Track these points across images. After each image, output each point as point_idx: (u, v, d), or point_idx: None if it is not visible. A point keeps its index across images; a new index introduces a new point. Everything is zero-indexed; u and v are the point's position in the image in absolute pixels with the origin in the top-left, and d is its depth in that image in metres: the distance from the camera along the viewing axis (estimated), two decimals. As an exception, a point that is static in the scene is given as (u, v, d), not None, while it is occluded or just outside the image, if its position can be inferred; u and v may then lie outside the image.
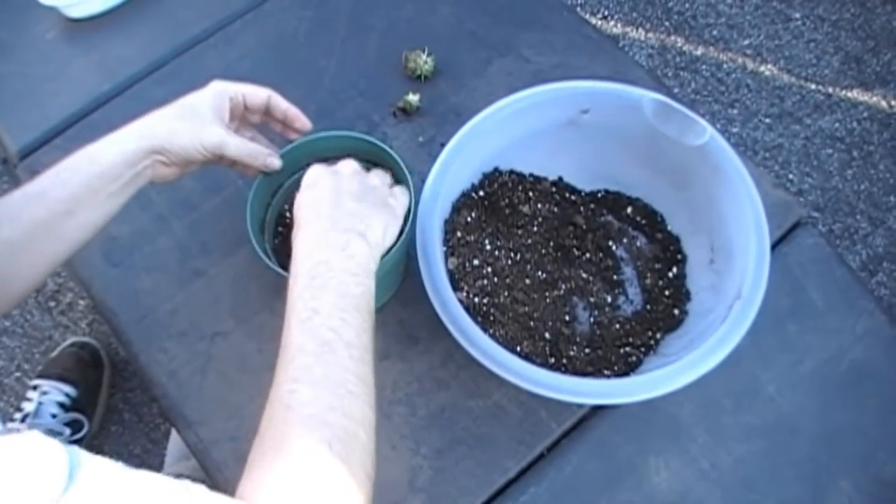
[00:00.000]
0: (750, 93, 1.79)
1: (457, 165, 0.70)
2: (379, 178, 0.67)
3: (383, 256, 0.67)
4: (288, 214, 0.76)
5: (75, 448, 0.36)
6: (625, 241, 0.78)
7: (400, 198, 0.66)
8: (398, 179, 0.73)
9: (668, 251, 0.76)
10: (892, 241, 1.60)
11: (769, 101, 1.78)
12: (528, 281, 0.74)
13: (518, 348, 0.70)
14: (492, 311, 0.71)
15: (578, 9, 1.92)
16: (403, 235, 0.68)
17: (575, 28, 0.94)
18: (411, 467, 0.71)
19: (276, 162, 0.69)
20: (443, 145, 0.71)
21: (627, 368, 0.70)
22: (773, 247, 0.78)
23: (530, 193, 0.78)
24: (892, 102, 1.76)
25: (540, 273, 0.75)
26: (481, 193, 0.77)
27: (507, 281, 0.73)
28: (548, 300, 0.73)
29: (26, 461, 0.33)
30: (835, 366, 0.74)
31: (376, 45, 0.95)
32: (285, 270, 0.69)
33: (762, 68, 1.82)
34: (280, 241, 0.75)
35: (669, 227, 0.77)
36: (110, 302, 0.81)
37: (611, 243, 0.77)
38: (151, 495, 0.37)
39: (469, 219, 0.74)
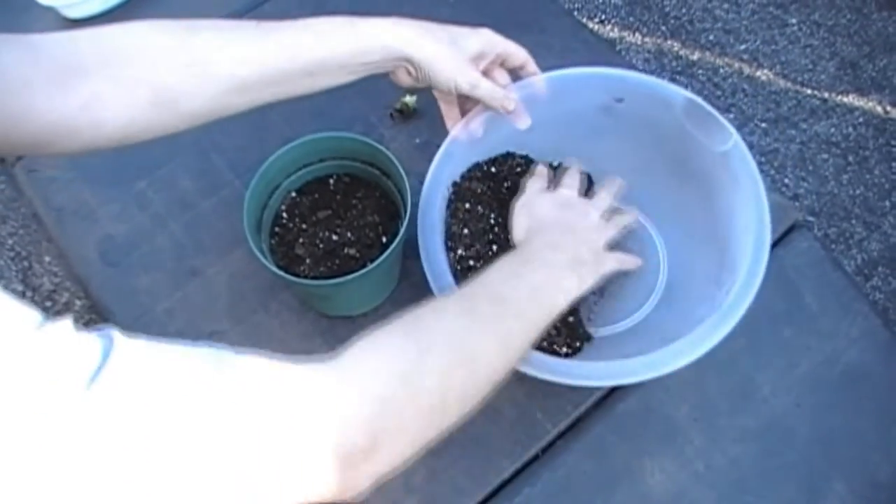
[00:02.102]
0: (746, 97, 1.80)
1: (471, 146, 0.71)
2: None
3: (379, 257, 0.67)
4: (284, 215, 0.76)
5: (110, 332, 0.35)
6: None
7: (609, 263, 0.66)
8: (395, 181, 0.73)
9: None
10: (887, 246, 1.61)
11: (765, 105, 1.79)
12: None
13: None
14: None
15: (576, 13, 1.93)
16: (399, 237, 0.68)
17: (572, 32, 0.95)
18: (406, 467, 0.70)
19: (511, 104, 0.69)
20: (439, 146, 0.71)
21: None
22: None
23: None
24: (888, 108, 1.77)
25: None
26: (493, 170, 0.77)
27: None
28: None
29: (55, 348, 0.32)
30: (829, 368, 0.75)
31: (374, 46, 0.95)
32: (281, 270, 0.69)
33: (758, 73, 1.83)
34: (276, 240, 0.75)
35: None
36: (107, 301, 0.81)
37: None
38: (182, 370, 0.38)
39: (478, 191, 0.75)
